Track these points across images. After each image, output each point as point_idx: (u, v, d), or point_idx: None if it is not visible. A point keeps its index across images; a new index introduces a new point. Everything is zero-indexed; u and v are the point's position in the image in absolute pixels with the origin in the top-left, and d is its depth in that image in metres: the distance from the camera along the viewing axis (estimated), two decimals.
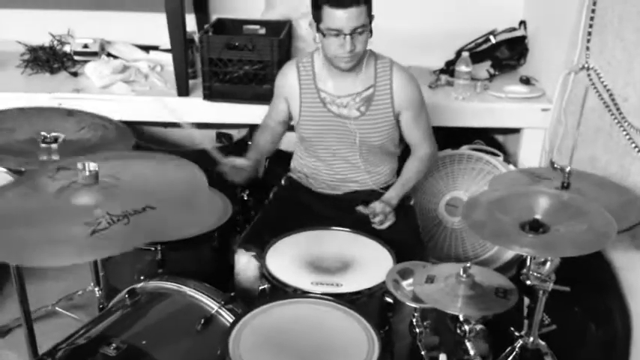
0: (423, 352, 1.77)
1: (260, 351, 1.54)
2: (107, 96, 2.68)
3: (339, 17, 1.93)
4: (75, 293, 2.47)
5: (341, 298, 1.72)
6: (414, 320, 1.77)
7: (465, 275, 1.62)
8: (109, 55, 2.99)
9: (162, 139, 2.87)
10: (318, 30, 2.00)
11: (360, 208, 2.11)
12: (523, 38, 2.98)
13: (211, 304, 1.77)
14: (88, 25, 3.04)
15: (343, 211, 2.22)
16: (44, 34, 3.02)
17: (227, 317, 1.75)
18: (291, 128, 2.31)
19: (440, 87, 2.86)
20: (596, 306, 2.28)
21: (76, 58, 2.95)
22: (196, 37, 2.78)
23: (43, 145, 1.99)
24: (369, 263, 1.91)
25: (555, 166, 2.04)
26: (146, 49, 3.03)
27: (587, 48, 2.35)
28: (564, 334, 2.09)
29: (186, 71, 2.66)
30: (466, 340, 1.68)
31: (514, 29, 2.99)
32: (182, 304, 1.78)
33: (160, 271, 2.01)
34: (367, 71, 2.14)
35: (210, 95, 2.64)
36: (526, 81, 2.87)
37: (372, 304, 1.81)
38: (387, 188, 2.27)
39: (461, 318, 1.68)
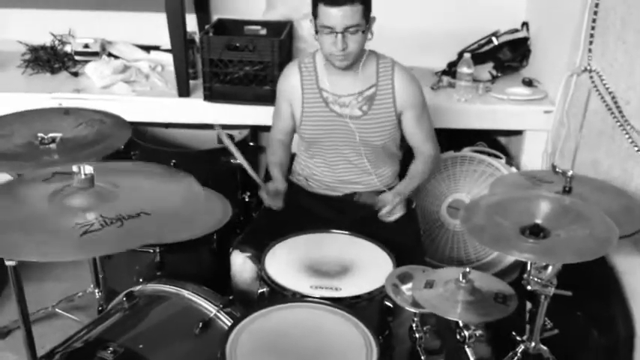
0: (423, 358, 1.76)
1: (258, 355, 1.53)
2: (108, 96, 2.67)
3: (332, 15, 1.95)
4: (75, 295, 2.47)
5: (340, 303, 1.71)
6: (414, 325, 1.75)
7: (464, 280, 1.61)
8: (109, 55, 2.98)
9: (164, 139, 2.86)
10: (315, 26, 2.01)
11: (363, 197, 2.12)
12: (525, 40, 2.96)
13: (209, 308, 1.77)
14: (89, 25, 3.04)
15: (342, 212, 2.21)
16: (45, 33, 3.01)
17: (225, 320, 1.75)
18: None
19: (442, 88, 2.85)
20: (598, 311, 2.27)
21: (77, 58, 2.95)
22: (197, 38, 2.77)
23: (42, 147, 1.98)
24: (369, 267, 1.90)
25: (557, 170, 2.02)
26: (147, 49, 3.02)
27: (590, 50, 2.33)
28: (566, 339, 2.07)
29: (187, 72, 2.65)
30: (466, 346, 1.67)
31: (516, 30, 2.97)
32: (180, 308, 1.78)
33: (159, 273, 2.01)
34: (369, 71, 2.14)
35: (210, 96, 2.63)
36: (528, 83, 2.86)
37: (371, 309, 1.79)
38: (392, 188, 2.27)
39: (460, 323, 1.67)
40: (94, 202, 1.42)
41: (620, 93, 2.24)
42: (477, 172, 2.73)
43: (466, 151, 2.75)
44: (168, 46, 2.63)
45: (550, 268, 1.72)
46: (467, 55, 2.77)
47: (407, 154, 2.34)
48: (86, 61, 2.87)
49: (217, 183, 2.43)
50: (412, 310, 1.68)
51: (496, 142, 2.99)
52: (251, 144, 2.79)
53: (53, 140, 2.00)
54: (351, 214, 2.20)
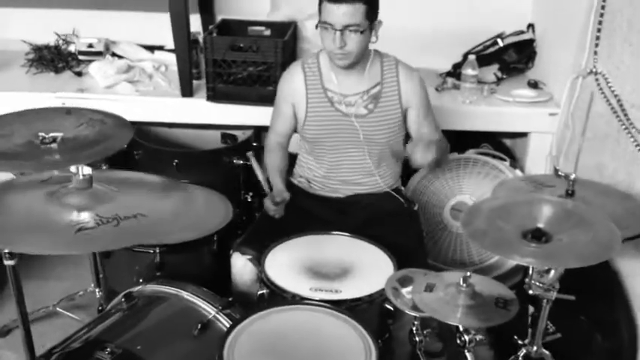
0: None
1: (256, 357, 1.53)
2: (111, 96, 2.67)
3: (332, 12, 1.95)
4: (76, 294, 2.47)
5: (340, 305, 1.70)
6: (414, 329, 1.74)
7: (464, 285, 1.60)
8: (113, 54, 2.98)
9: (167, 139, 2.86)
10: (318, 22, 2.01)
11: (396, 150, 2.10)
12: (531, 41, 2.94)
13: (209, 309, 1.76)
14: (93, 25, 3.04)
15: (344, 214, 2.20)
16: (49, 33, 3.02)
17: (224, 322, 1.74)
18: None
19: (446, 90, 2.83)
20: (602, 315, 2.25)
21: (81, 57, 2.95)
22: (201, 38, 2.77)
23: (43, 147, 1.97)
24: (369, 269, 1.89)
25: (559, 173, 2.00)
26: (151, 49, 3.02)
27: (596, 52, 2.31)
28: (569, 344, 2.06)
29: (191, 72, 2.65)
30: (466, 351, 1.65)
31: (522, 32, 2.95)
32: (179, 309, 1.77)
33: (158, 274, 2.00)
34: (373, 69, 2.14)
35: (213, 96, 2.63)
36: (534, 85, 2.84)
37: (371, 311, 1.78)
38: (394, 190, 2.27)
39: (461, 328, 1.65)
40: (90, 203, 1.42)
41: (626, 96, 2.22)
42: (481, 175, 2.71)
43: (470, 153, 2.74)
44: (172, 46, 2.63)
45: (552, 272, 1.71)
46: (472, 57, 2.75)
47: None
48: (90, 61, 2.87)
49: (220, 183, 2.44)
50: (412, 313, 1.67)
51: (501, 144, 2.97)
52: (254, 144, 2.78)
53: (54, 140, 1.99)
54: (353, 216, 2.19)
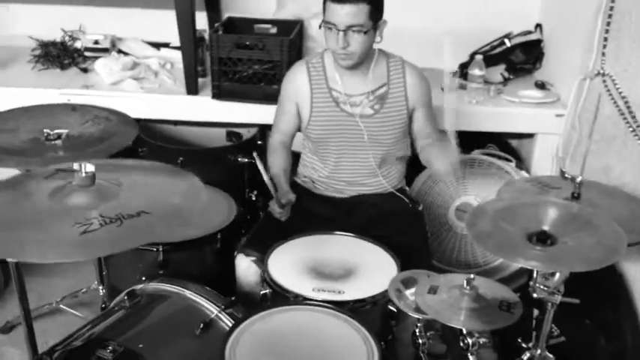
0: None
1: (258, 357, 1.52)
2: (116, 93, 2.67)
3: (335, 12, 1.94)
4: (79, 291, 2.47)
5: (343, 306, 1.69)
6: (417, 331, 1.73)
7: (468, 287, 1.59)
8: (119, 51, 2.98)
9: (172, 136, 2.86)
10: (322, 22, 2.01)
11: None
12: (539, 42, 2.92)
13: (211, 308, 1.75)
14: (99, 22, 3.04)
15: (349, 214, 2.19)
16: (56, 29, 3.02)
17: (227, 322, 1.73)
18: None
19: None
20: (606, 319, 2.24)
21: (87, 54, 2.95)
22: (207, 36, 2.76)
23: (48, 143, 1.98)
24: (373, 270, 1.88)
25: (566, 175, 1.99)
26: (157, 46, 3.02)
27: (603, 54, 2.29)
28: (573, 347, 2.05)
29: (196, 70, 2.64)
30: (469, 354, 1.64)
31: (530, 32, 2.93)
32: (181, 307, 1.76)
33: (162, 272, 2.00)
34: (379, 69, 2.13)
35: (219, 94, 2.62)
36: (541, 86, 2.82)
37: (374, 313, 1.77)
38: (398, 191, 2.26)
39: (464, 331, 1.64)
40: (94, 201, 1.42)
41: (633, 97, 2.21)
42: (487, 175, 2.70)
43: (476, 154, 2.72)
44: (178, 44, 2.62)
45: (557, 275, 1.69)
46: (479, 57, 2.73)
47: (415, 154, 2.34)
48: (96, 58, 2.87)
49: (224, 181, 2.43)
50: (415, 315, 1.66)
51: (507, 145, 2.96)
52: (259, 142, 2.77)
53: (59, 136, 2.00)
54: (358, 217, 2.18)
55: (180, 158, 2.52)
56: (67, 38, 3.01)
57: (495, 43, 2.92)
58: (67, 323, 2.29)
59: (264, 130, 2.87)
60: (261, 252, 1.93)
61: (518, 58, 2.90)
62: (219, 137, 2.84)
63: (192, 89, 2.65)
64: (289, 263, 1.88)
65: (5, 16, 3.11)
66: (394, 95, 2.14)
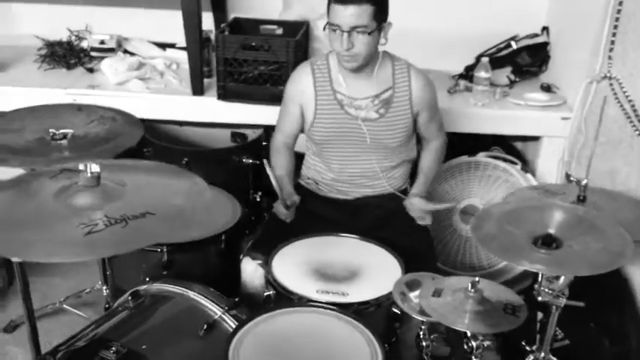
0: None
1: (260, 359, 1.52)
2: (122, 93, 2.67)
3: (339, 13, 1.94)
4: (83, 291, 2.47)
5: (347, 308, 1.69)
6: (421, 333, 1.73)
7: (473, 290, 1.58)
8: (125, 51, 2.98)
9: (177, 137, 2.86)
10: (326, 24, 2.00)
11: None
12: (545, 45, 2.91)
13: (215, 309, 1.75)
14: (105, 22, 3.05)
15: (353, 216, 2.19)
16: (62, 29, 3.03)
17: (230, 323, 1.73)
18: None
19: (458, 92, 2.81)
20: (611, 322, 2.23)
21: (93, 54, 2.95)
22: (213, 36, 2.76)
23: (53, 143, 1.98)
24: (377, 272, 1.87)
25: (571, 179, 1.98)
26: (163, 46, 3.03)
27: (610, 57, 2.29)
28: (577, 350, 2.04)
29: (202, 70, 2.64)
30: (473, 357, 1.64)
31: (536, 35, 2.92)
32: (185, 308, 1.76)
33: (165, 272, 1.99)
34: (384, 73, 2.12)
35: (224, 95, 2.62)
36: (547, 88, 2.81)
37: (378, 315, 1.77)
38: (402, 192, 2.26)
39: (468, 333, 1.64)
40: (99, 201, 1.42)
41: None
42: (492, 178, 2.69)
43: (481, 157, 2.71)
44: (184, 44, 2.63)
45: (562, 279, 1.69)
46: (485, 59, 2.73)
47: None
48: (102, 58, 2.87)
49: (229, 182, 2.43)
50: (420, 318, 1.65)
51: (512, 147, 2.95)
52: (264, 143, 2.77)
53: (64, 136, 2.01)
54: (362, 218, 2.18)
55: (185, 159, 2.52)
56: (73, 38, 3.02)
57: (501, 46, 2.92)
58: (71, 323, 2.29)
59: (270, 131, 2.88)
60: (267, 255, 1.93)
61: (525, 60, 2.89)
62: (224, 138, 2.84)
63: (198, 90, 2.65)
64: (293, 265, 1.87)
65: (10, 16, 3.11)
66: (399, 99, 2.13)
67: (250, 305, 1.87)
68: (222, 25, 2.73)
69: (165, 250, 1.99)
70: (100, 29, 3.03)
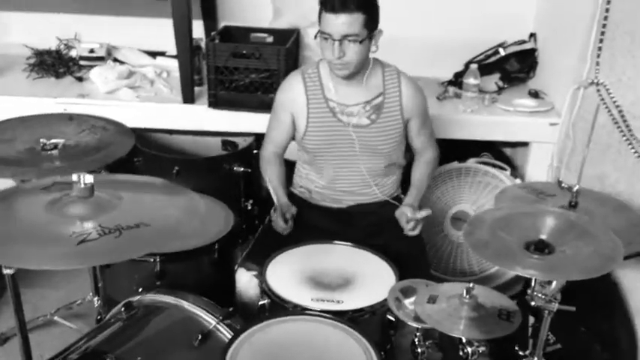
0: None
1: None
2: (112, 102, 2.66)
3: (330, 22, 1.95)
4: (74, 302, 2.45)
5: (342, 316, 1.69)
6: (416, 340, 1.73)
7: (467, 296, 1.59)
8: (115, 60, 2.97)
9: (167, 145, 2.85)
10: (318, 32, 2.01)
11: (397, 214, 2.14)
12: (533, 51, 2.94)
13: (209, 319, 1.74)
14: (95, 30, 3.03)
15: (347, 224, 2.19)
16: (51, 38, 3.01)
17: (225, 332, 1.73)
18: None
19: (448, 99, 2.83)
20: (601, 326, 2.25)
21: (82, 62, 2.93)
22: (203, 44, 2.76)
23: (44, 153, 1.97)
24: (372, 279, 1.88)
25: (563, 185, 2.00)
26: (153, 54, 3.02)
27: (597, 63, 2.31)
28: (569, 354, 2.05)
29: (192, 78, 2.64)
30: None
31: (524, 42, 2.95)
32: (179, 319, 1.76)
33: (158, 283, 1.98)
34: (375, 79, 2.13)
35: (215, 103, 2.62)
36: (535, 94, 2.84)
37: (373, 322, 1.77)
38: (394, 199, 2.26)
39: (463, 339, 1.64)
40: (92, 212, 1.41)
41: (628, 107, 2.23)
42: (482, 184, 2.71)
43: (471, 162, 2.73)
44: (174, 52, 2.62)
45: (554, 283, 1.70)
46: (473, 66, 2.75)
47: (410, 161, 2.35)
48: (91, 66, 2.86)
49: (220, 190, 2.42)
50: (415, 325, 1.66)
51: (501, 153, 2.97)
52: (255, 152, 2.77)
53: (55, 146, 1.99)
54: (355, 226, 2.18)
55: (176, 168, 2.52)
56: (62, 47, 3.00)
57: (490, 52, 2.94)
58: (62, 335, 2.27)
59: (260, 139, 2.88)
60: (262, 265, 1.92)
61: (513, 67, 2.92)
62: (215, 146, 2.83)
63: (189, 98, 2.64)
64: (288, 273, 1.87)
65: None
66: (390, 105, 2.14)
67: (245, 315, 1.87)
68: (213, 34, 2.73)
69: (157, 260, 1.98)
70: (90, 38, 3.01)
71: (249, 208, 2.70)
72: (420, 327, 1.68)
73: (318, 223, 2.18)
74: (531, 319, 1.92)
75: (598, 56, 2.32)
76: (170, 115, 2.68)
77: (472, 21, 2.96)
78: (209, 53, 2.56)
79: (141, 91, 2.74)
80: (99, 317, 2.18)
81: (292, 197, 2.25)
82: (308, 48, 2.82)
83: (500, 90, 2.89)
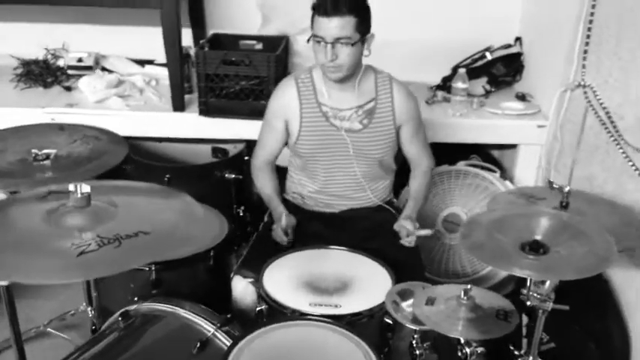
0: None
1: None
2: (101, 111, 2.64)
3: (323, 25, 1.96)
4: (67, 313, 2.42)
5: (340, 320, 1.70)
6: (414, 342, 1.74)
7: (465, 297, 1.60)
8: (103, 69, 2.96)
9: (157, 153, 2.84)
10: (311, 36, 2.02)
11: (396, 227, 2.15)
12: (519, 55, 2.98)
13: (207, 327, 1.74)
14: (82, 39, 3.02)
15: (340, 229, 2.20)
16: (38, 47, 2.99)
17: (223, 340, 1.72)
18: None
19: (437, 103, 2.85)
20: (595, 324, 2.27)
21: (70, 72, 2.92)
22: (192, 52, 2.76)
23: (36, 164, 1.95)
24: (368, 283, 1.88)
25: (554, 186, 2.03)
26: (141, 63, 3.01)
27: (584, 66, 2.35)
28: (563, 353, 2.07)
29: (182, 86, 2.64)
30: None
31: (510, 46, 2.99)
32: (177, 327, 1.75)
33: (154, 292, 1.97)
34: (367, 84, 2.15)
35: (206, 111, 2.62)
36: (522, 97, 2.87)
37: (371, 326, 1.78)
38: (387, 203, 2.28)
39: (462, 340, 1.66)
40: (90, 222, 1.40)
41: (614, 108, 2.26)
42: (472, 186, 2.73)
43: (460, 165, 2.76)
44: (163, 60, 2.62)
45: (548, 283, 1.72)
46: (461, 70, 2.78)
47: (401, 166, 2.36)
48: (80, 76, 2.85)
49: (212, 198, 2.40)
50: (413, 327, 1.67)
51: (489, 155, 3.00)
52: (246, 158, 2.77)
53: (47, 157, 1.98)
54: (349, 231, 2.19)
55: (167, 175, 2.50)
56: (49, 56, 2.98)
57: (477, 57, 2.98)
58: (55, 347, 2.25)
59: (251, 145, 2.88)
60: (258, 272, 1.92)
61: (500, 71, 2.95)
62: (205, 154, 2.83)
63: (179, 106, 2.64)
64: (285, 279, 1.87)
65: None
66: (382, 110, 2.16)
67: (242, 321, 1.86)
68: (202, 41, 2.73)
69: (153, 268, 1.97)
70: (78, 47, 3.00)
71: (242, 214, 2.69)
72: (417, 329, 1.69)
73: (312, 229, 2.18)
74: (525, 319, 1.94)
75: (584, 59, 2.35)
76: (161, 124, 2.67)
77: (458, 25, 2.99)
78: (199, 61, 2.56)
79: (130, 99, 2.73)
80: (93, 327, 2.16)
81: (285, 203, 2.25)
82: (297, 55, 2.83)
83: (487, 93, 2.92)
